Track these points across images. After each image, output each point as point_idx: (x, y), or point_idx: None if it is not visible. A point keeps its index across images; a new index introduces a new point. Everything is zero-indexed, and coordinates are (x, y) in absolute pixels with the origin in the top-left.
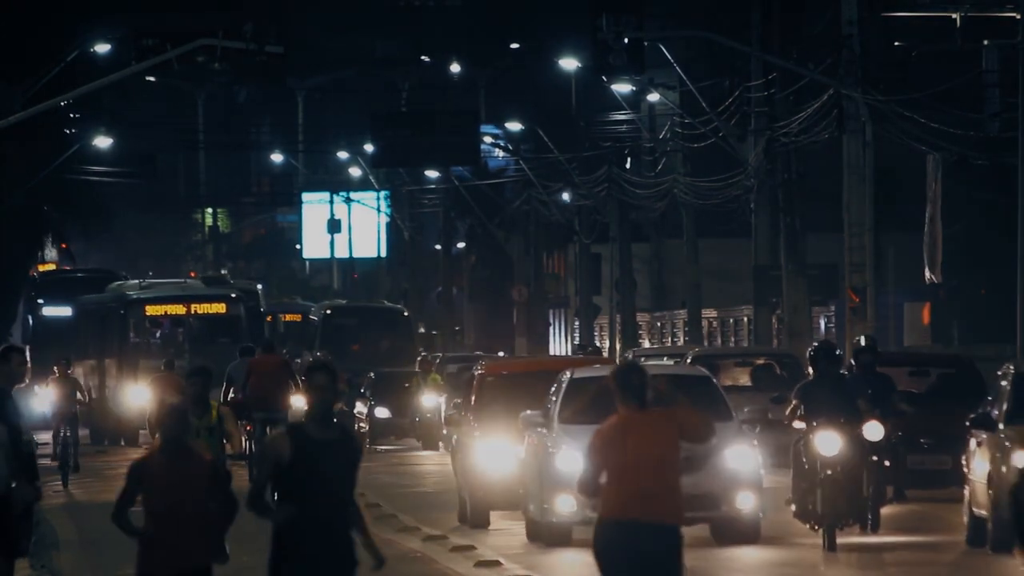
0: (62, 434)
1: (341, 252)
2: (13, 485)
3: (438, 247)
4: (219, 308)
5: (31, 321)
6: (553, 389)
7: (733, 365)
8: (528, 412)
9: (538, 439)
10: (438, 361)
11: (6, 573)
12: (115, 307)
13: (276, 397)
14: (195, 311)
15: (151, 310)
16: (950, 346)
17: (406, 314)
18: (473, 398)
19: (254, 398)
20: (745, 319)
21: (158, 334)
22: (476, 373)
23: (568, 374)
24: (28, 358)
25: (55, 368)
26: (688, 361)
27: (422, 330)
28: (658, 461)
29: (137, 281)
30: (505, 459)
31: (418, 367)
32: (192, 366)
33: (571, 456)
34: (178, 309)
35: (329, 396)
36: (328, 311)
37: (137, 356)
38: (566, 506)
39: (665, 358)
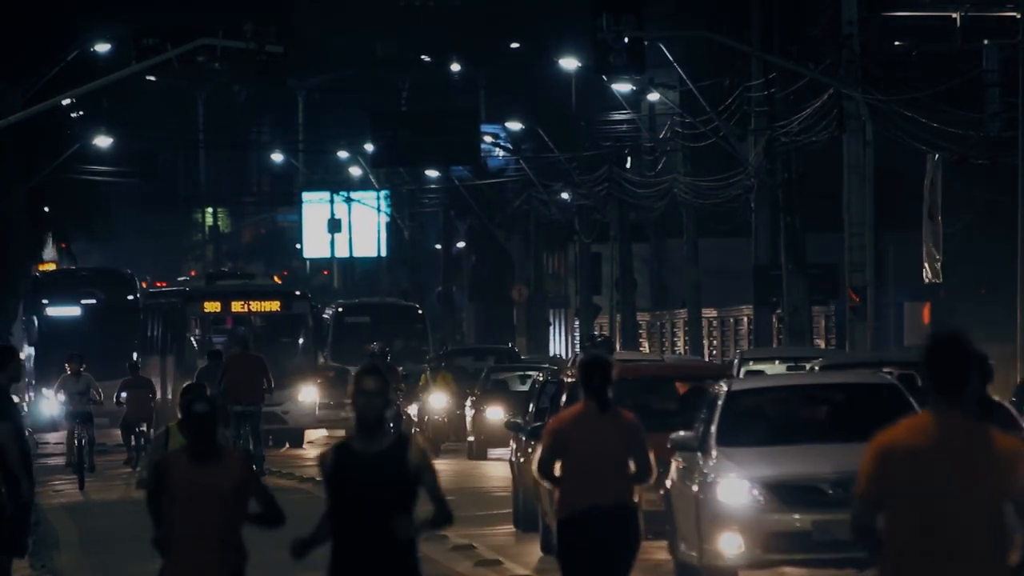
0: (77, 435)
1: (341, 252)
2: (3, 488)
3: (438, 247)
4: (282, 306)
5: (36, 321)
6: (706, 405)
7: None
8: (681, 433)
9: (690, 465)
10: (444, 358)
11: (4, 572)
12: (175, 302)
13: (251, 392)
14: (255, 308)
15: (209, 306)
16: None
17: (420, 311)
18: (563, 404)
19: (230, 393)
20: (745, 319)
21: (217, 330)
22: (565, 379)
23: (724, 387)
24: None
25: (67, 365)
26: (816, 369)
27: None
28: (615, 458)
29: (203, 277)
30: None
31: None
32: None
33: (737, 487)
34: (238, 306)
35: (379, 403)
36: (340, 308)
37: (197, 353)
38: (732, 546)
39: (777, 362)
